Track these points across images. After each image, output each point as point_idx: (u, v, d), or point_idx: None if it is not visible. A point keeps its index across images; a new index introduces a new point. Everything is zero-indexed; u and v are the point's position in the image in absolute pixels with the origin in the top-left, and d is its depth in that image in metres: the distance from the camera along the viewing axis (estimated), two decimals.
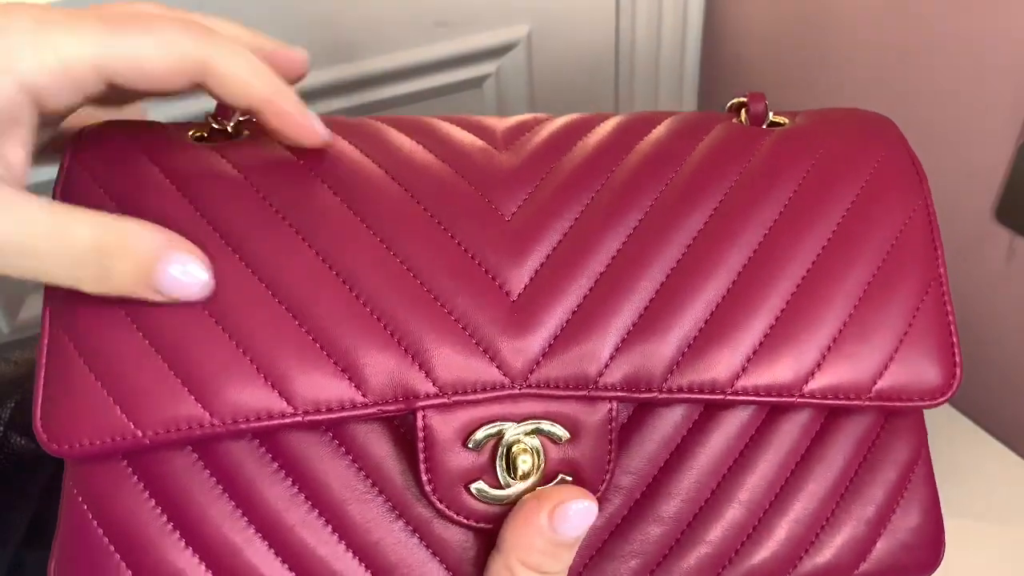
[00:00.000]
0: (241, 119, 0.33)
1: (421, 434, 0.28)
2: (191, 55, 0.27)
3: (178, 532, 0.28)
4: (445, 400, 0.28)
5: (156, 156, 0.30)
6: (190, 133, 0.32)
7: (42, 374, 0.28)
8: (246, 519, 0.28)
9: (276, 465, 0.29)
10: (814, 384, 0.30)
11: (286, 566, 0.29)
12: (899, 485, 0.33)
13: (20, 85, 0.26)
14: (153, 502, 0.28)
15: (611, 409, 0.30)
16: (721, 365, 0.30)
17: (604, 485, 0.30)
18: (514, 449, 0.29)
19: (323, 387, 0.28)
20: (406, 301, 0.28)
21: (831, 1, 0.58)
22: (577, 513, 0.28)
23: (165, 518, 0.28)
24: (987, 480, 0.50)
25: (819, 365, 0.30)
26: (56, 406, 0.27)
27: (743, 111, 0.36)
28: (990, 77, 0.50)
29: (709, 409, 0.31)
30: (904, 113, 0.55)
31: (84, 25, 0.26)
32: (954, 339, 0.32)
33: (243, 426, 0.27)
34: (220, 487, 0.28)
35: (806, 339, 0.30)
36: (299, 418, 0.28)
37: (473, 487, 0.29)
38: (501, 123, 0.35)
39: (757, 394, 0.30)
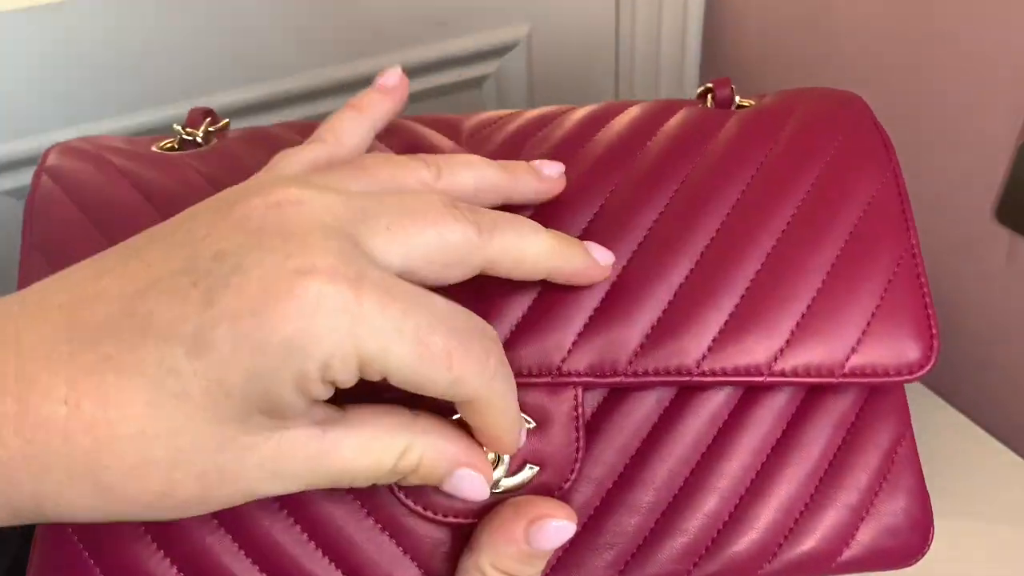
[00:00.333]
0: (211, 129, 0.33)
1: None
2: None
3: (149, 535, 0.28)
4: None
5: (126, 168, 0.31)
6: (161, 144, 0.33)
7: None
8: (216, 520, 0.28)
9: None
10: (784, 363, 0.30)
11: (257, 567, 0.28)
12: (881, 468, 0.32)
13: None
14: None
15: (576, 395, 0.29)
16: (687, 346, 0.29)
17: (573, 475, 0.29)
18: None
19: None
20: None
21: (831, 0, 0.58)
22: (556, 530, 0.28)
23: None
24: (987, 480, 0.50)
25: (788, 343, 0.30)
26: None
27: (709, 96, 0.36)
28: (990, 77, 0.50)
29: (680, 396, 0.31)
30: (904, 113, 0.56)
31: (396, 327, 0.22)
32: (929, 311, 0.31)
33: None
34: None
35: (774, 317, 0.30)
36: None
37: None
38: (468, 120, 0.35)
39: (725, 374, 0.29)
